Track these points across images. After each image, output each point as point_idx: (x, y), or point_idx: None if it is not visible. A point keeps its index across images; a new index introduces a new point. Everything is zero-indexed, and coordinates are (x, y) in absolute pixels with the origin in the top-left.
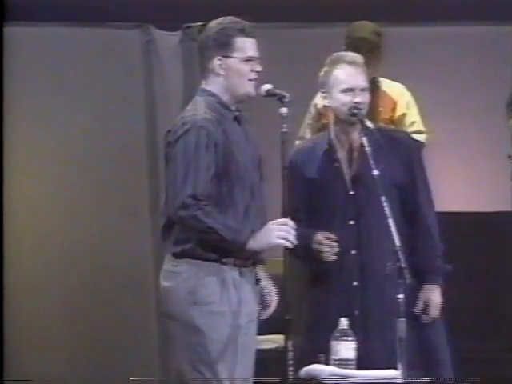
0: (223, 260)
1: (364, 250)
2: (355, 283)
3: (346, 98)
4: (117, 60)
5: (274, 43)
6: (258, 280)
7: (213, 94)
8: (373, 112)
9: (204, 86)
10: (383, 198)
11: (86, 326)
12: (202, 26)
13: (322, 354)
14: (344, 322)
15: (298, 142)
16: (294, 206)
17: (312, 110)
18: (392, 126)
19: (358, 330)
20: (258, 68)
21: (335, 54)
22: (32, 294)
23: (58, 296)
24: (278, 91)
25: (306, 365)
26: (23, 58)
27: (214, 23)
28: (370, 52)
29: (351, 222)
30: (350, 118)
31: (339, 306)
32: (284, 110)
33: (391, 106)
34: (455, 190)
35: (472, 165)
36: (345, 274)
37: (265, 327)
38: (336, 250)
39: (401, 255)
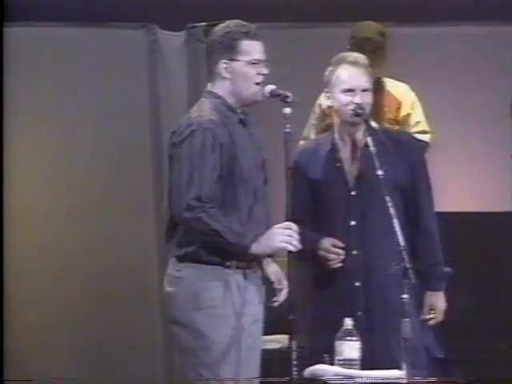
0: (226, 263)
1: (366, 250)
2: (357, 283)
3: (347, 99)
4: (121, 60)
5: (278, 43)
6: (263, 279)
7: (218, 97)
8: (377, 112)
9: (210, 88)
10: (388, 198)
11: (88, 327)
12: (206, 26)
13: (327, 354)
14: (348, 322)
15: (301, 143)
16: (297, 206)
17: (316, 110)
18: (396, 127)
19: (361, 330)
20: (265, 71)
21: (340, 54)
22: (34, 294)
23: (61, 297)
24: (281, 91)
25: (311, 365)
26: (23, 58)
27: (219, 26)
28: (375, 52)
29: (352, 223)
30: (353, 119)
31: (342, 306)
32: (287, 110)
33: (396, 106)
34: (458, 189)
35: (474, 165)
36: (347, 275)
37: (269, 327)
38: (342, 257)
39: (405, 255)
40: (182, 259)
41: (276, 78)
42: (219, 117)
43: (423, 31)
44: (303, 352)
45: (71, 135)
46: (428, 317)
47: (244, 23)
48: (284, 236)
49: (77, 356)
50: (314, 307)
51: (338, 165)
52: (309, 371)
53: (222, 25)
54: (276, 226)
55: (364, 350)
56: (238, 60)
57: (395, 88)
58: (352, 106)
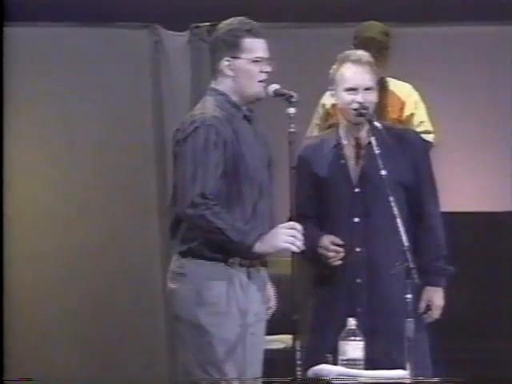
0: (230, 260)
1: (369, 248)
2: (358, 280)
3: (349, 97)
4: (125, 60)
5: (282, 43)
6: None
7: (222, 94)
8: (381, 112)
9: (214, 85)
10: (391, 198)
11: (90, 326)
12: (210, 26)
13: (330, 354)
14: (352, 322)
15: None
16: (301, 201)
17: (320, 109)
18: (401, 125)
19: (362, 329)
20: (268, 69)
21: (346, 51)
22: (34, 293)
23: (62, 296)
24: (285, 91)
25: (314, 365)
26: (23, 58)
27: (223, 24)
28: (379, 52)
29: (356, 220)
30: (356, 118)
31: (343, 304)
32: (292, 109)
33: (399, 106)
34: (458, 189)
35: (475, 164)
36: (349, 272)
37: (273, 327)
38: (342, 255)
39: (409, 255)
40: (184, 255)
41: (279, 78)
42: (223, 114)
43: (426, 31)
44: (307, 352)
45: (73, 135)
46: (424, 313)
47: (247, 20)
48: (288, 236)
49: (78, 356)
50: (315, 305)
51: (342, 162)
52: (312, 371)
53: (226, 22)
54: (280, 225)
55: (366, 349)
56: (240, 58)
57: (399, 88)
58: (355, 105)
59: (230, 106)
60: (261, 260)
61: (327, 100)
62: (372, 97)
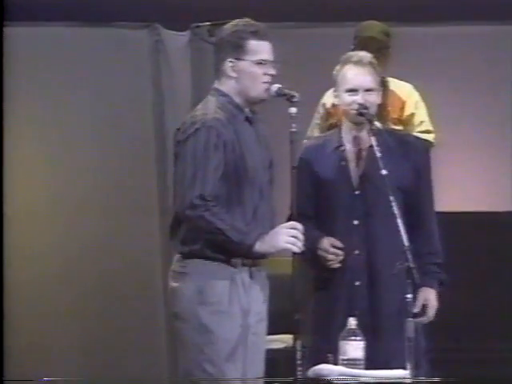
0: (232, 260)
1: (368, 250)
2: (357, 283)
3: (350, 99)
4: (125, 60)
5: (283, 43)
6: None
7: (225, 95)
8: (381, 112)
9: (217, 85)
10: (392, 198)
11: (91, 326)
12: (210, 25)
13: (330, 353)
14: (352, 322)
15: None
16: (301, 201)
17: (320, 109)
18: (401, 128)
19: (361, 330)
20: (272, 71)
21: (348, 52)
22: (35, 292)
23: (63, 296)
24: (287, 91)
25: (315, 365)
26: (23, 58)
27: (229, 24)
28: (379, 52)
29: (355, 222)
30: (356, 118)
31: (342, 305)
32: (293, 109)
33: (400, 106)
34: (459, 189)
35: (476, 164)
36: (348, 274)
37: (274, 327)
38: (341, 258)
39: (409, 255)
40: (187, 256)
41: (280, 78)
42: (225, 115)
43: (426, 31)
44: (309, 352)
45: (73, 135)
46: (419, 312)
47: (253, 22)
48: (289, 236)
49: (79, 356)
50: (316, 306)
51: (343, 163)
52: (313, 371)
53: (232, 23)
54: (281, 225)
55: (367, 349)
56: (244, 59)
57: (399, 88)
58: (355, 106)
59: (232, 108)
60: (262, 259)
61: (327, 99)
62: (373, 98)
